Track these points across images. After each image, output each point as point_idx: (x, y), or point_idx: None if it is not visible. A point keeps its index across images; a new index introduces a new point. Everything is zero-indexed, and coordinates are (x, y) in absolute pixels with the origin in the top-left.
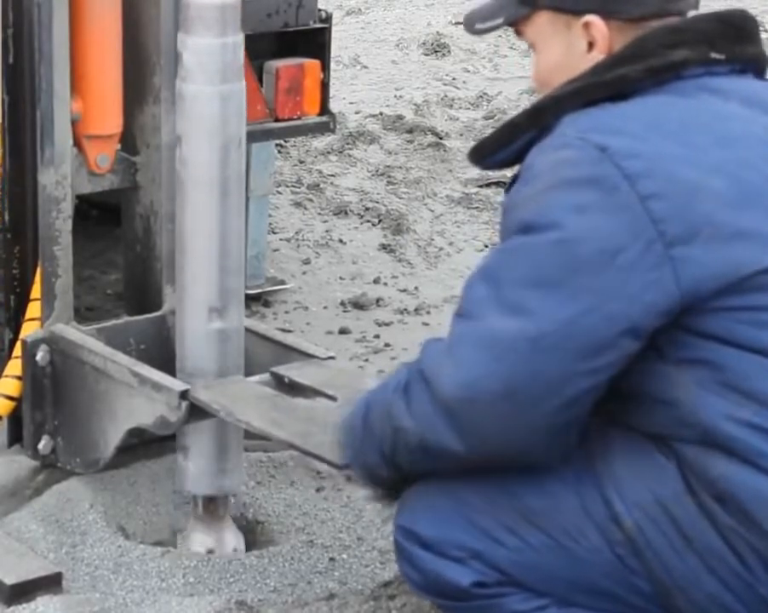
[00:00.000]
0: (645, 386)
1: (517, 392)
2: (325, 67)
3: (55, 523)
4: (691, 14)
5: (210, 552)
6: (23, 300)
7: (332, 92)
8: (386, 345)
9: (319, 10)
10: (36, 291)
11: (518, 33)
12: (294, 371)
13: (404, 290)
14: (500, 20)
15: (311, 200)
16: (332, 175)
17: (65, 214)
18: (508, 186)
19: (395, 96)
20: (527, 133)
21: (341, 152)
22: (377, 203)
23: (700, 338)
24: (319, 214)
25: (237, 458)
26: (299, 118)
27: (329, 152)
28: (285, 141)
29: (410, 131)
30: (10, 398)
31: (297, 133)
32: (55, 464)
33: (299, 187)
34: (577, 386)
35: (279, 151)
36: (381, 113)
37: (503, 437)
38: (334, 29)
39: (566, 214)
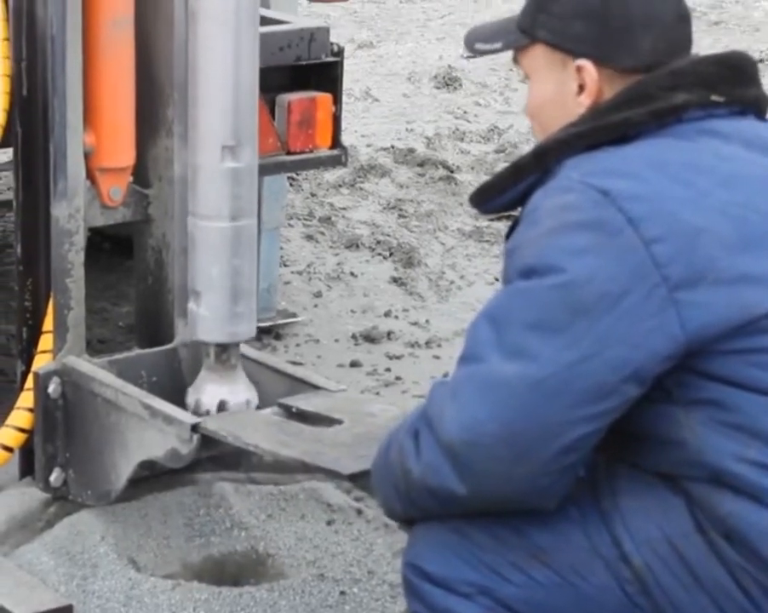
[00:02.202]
0: (652, 427)
1: (517, 436)
2: (337, 101)
3: (66, 555)
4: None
5: (223, 403)
6: (35, 333)
7: (344, 125)
8: (397, 378)
9: (331, 44)
10: (48, 323)
11: (516, 61)
12: (301, 401)
13: (415, 323)
14: (498, 45)
15: (322, 233)
16: (343, 208)
17: (77, 246)
18: (509, 231)
19: (406, 129)
20: (530, 176)
21: (352, 186)
22: (388, 236)
23: (707, 380)
24: (331, 247)
25: (250, 302)
26: (311, 151)
27: (340, 185)
28: (297, 174)
29: (422, 164)
30: (22, 430)
31: (309, 166)
32: (67, 496)
33: (310, 220)
34: (577, 432)
35: (291, 184)
36: (392, 146)
37: (503, 479)
38: (346, 62)
39: (568, 257)
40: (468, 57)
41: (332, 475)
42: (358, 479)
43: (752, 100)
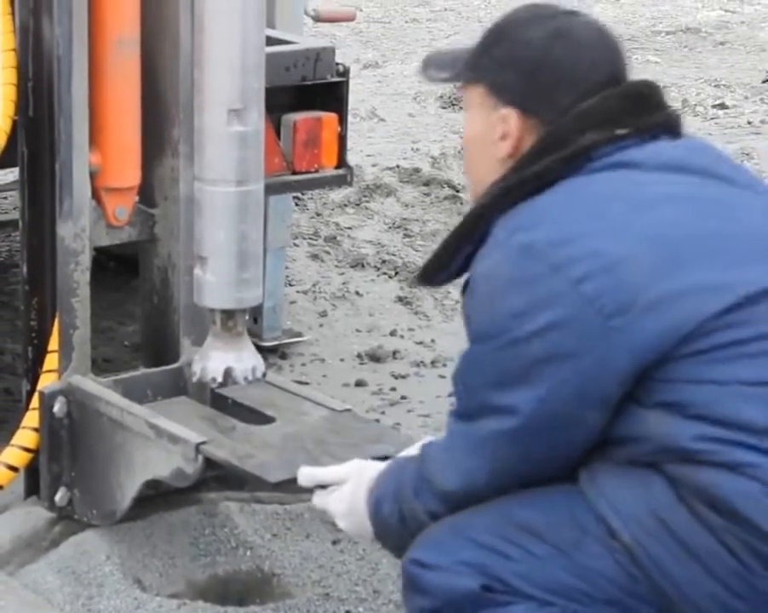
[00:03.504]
0: (622, 430)
1: (506, 476)
2: (343, 120)
3: (72, 574)
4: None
5: (229, 370)
6: (41, 352)
7: (349, 145)
8: (403, 397)
9: (337, 64)
10: (53, 343)
11: (461, 93)
12: (238, 392)
13: (421, 343)
14: (446, 75)
15: (328, 252)
16: (349, 228)
17: (83, 266)
18: (462, 289)
19: (412, 149)
20: (466, 246)
21: (357, 205)
22: (394, 255)
23: (666, 382)
24: (336, 266)
25: (257, 268)
26: (316, 171)
27: (346, 205)
28: (302, 194)
29: (427, 184)
30: (27, 449)
31: (314, 185)
32: (72, 516)
33: (316, 240)
34: (561, 457)
35: (296, 204)
36: (397, 166)
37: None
38: (351, 82)
39: (511, 319)
40: (423, 81)
41: (258, 481)
42: (283, 487)
43: (660, 123)
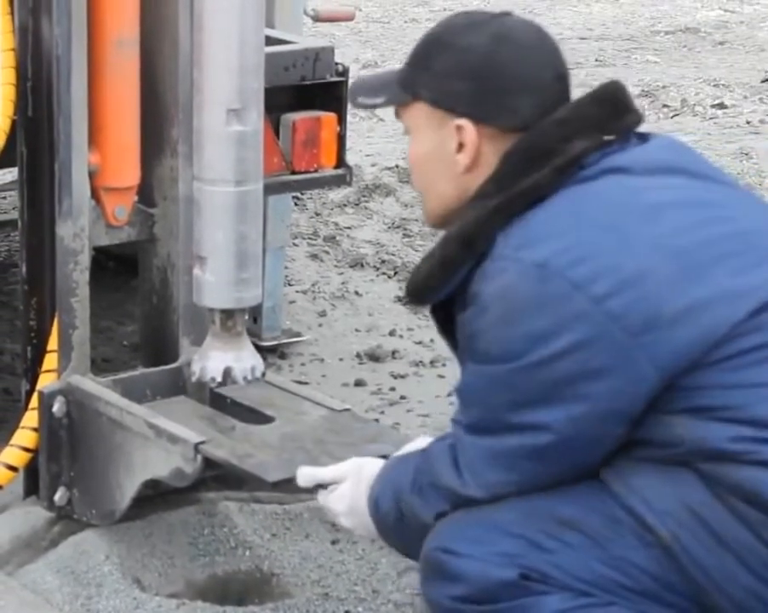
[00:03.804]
0: (646, 434)
1: (530, 486)
2: (342, 120)
3: (71, 574)
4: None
5: (228, 370)
6: (40, 352)
7: (348, 145)
8: (402, 397)
9: (336, 64)
10: (53, 343)
11: (397, 115)
12: (237, 392)
13: (420, 343)
14: (380, 100)
15: (327, 252)
16: (348, 228)
17: (82, 265)
18: (461, 303)
19: None
20: (464, 266)
21: (357, 205)
22: (393, 255)
23: (693, 390)
24: (335, 266)
25: (256, 268)
26: (315, 171)
27: (345, 205)
28: (302, 194)
29: None
30: (27, 449)
31: (314, 185)
32: (71, 515)
33: (315, 239)
34: (583, 467)
35: (296, 204)
36: (397, 166)
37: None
38: (350, 82)
39: (531, 342)
40: (354, 108)
41: (256, 480)
42: (281, 486)
43: (632, 125)
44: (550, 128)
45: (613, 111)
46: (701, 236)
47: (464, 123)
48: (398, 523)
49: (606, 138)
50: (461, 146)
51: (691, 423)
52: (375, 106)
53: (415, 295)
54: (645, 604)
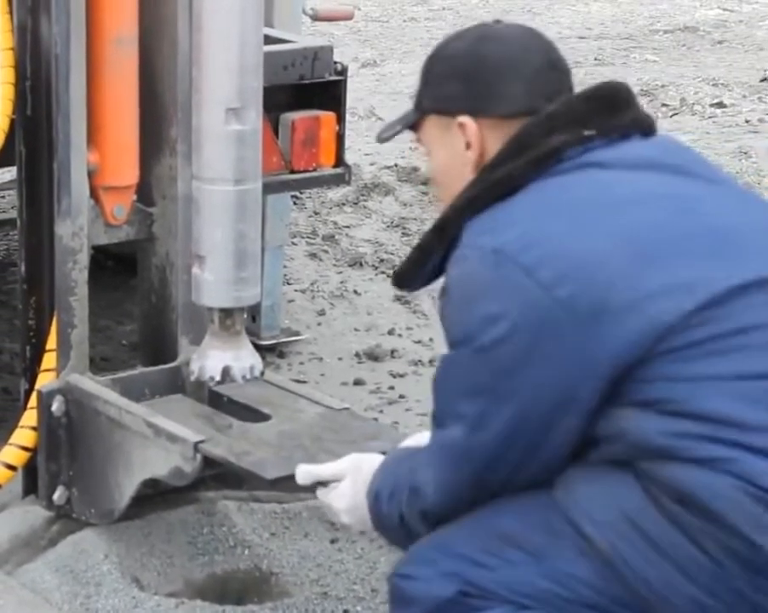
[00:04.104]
0: (596, 430)
1: (483, 485)
2: (341, 119)
3: (70, 573)
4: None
5: (227, 369)
6: (39, 351)
7: (347, 144)
8: (401, 396)
9: (335, 63)
10: (51, 342)
11: (418, 141)
12: (234, 390)
13: (419, 342)
14: (398, 127)
15: (326, 251)
16: (347, 227)
17: (81, 264)
18: (440, 293)
19: (410, 148)
20: (435, 253)
21: (356, 204)
22: (392, 254)
23: (641, 382)
24: (334, 265)
25: (255, 267)
26: (314, 170)
27: (344, 204)
28: (301, 193)
29: (425, 183)
30: (25, 448)
31: (313, 184)
32: (70, 514)
33: (314, 238)
34: (537, 462)
35: (295, 203)
36: (395, 165)
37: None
38: (349, 81)
39: (483, 324)
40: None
41: (255, 478)
42: (280, 484)
43: (629, 124)
44: (537, 121)
45: (604, 109)
46: (664, 229)
47: (464, 119)
48: (399, 523)
49: (587, 133)
50: (468, 144)
51: (635, 416)
52: (395, 134)
53: (397, 280)
54: None
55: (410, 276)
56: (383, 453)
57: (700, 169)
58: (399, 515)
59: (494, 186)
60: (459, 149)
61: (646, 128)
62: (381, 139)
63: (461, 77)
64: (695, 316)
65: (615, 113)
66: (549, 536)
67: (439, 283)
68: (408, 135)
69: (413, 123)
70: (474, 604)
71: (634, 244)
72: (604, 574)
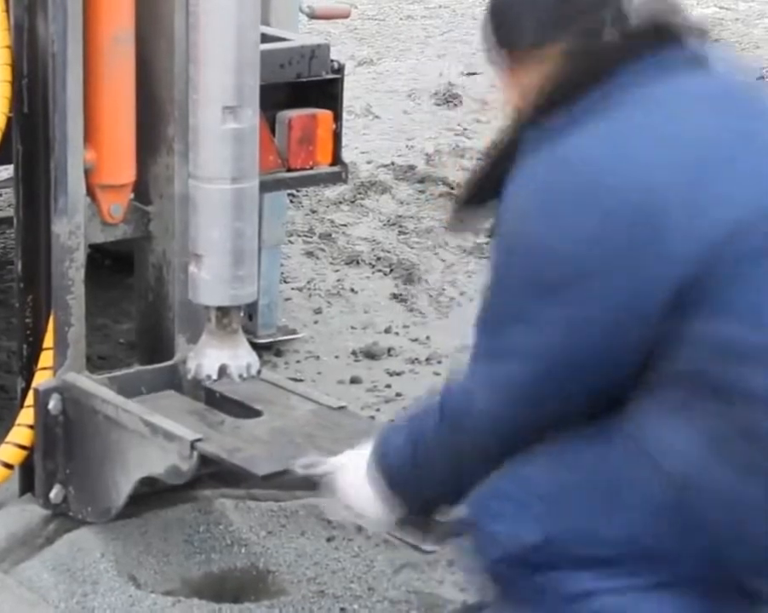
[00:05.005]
0: (664, 351)
1: (536, 414)
2: (338, 117)
3: (66, 572)
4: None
5: (224, 367)
6: (36, 349)
7: (344, 142)
8: (398, 394)
9: (332, 61)
10: (48, 340)
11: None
12: (226, 386)
13: (416, 340)
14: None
15: (323, 250)
16: (344, 225)
17: (77, 263)
18: (491, 229)
19: (407, 146)
20: (505, 163)
21: (352, 202)
22: (389, 252)
23: (710, 291)
24: (331, 263)
25: (252, 265)
26: (311, 168)
27: (340, 202)
28: (297, 191)
29: (422, 181)
30: (22, 446)
31: (309, 183)
32: (67, 513)
33: (311, 237)
34: (601, 380)
35: (291, 201)
36: (392, 163)
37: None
38: (346, 79)
39: (543, 237)
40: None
41: (246, 474)
42: (271, 480)
43: (686, 53)
44: (597, 50)
45: (660, 36)
46: (726, 151)
47: (505, 52)
48: (412, 465)
49: (649, 59)
50: (512, 72)
51: (708, 327)
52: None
53: (460, 199)
54: (664, 570)
55: (472, 193)
56: None
57: (758, 102)
58: (414, 457)
59: (558, 101)
60: (522, 80)
61: (699, 57)
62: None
63: (497, 18)
64: (755, 226)
65: (674, 41)
66: (620, 471)
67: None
68: (405, 133)
69: (500, 66)
70: (557, 554)
71: (698, 167)
72: (679, 510)
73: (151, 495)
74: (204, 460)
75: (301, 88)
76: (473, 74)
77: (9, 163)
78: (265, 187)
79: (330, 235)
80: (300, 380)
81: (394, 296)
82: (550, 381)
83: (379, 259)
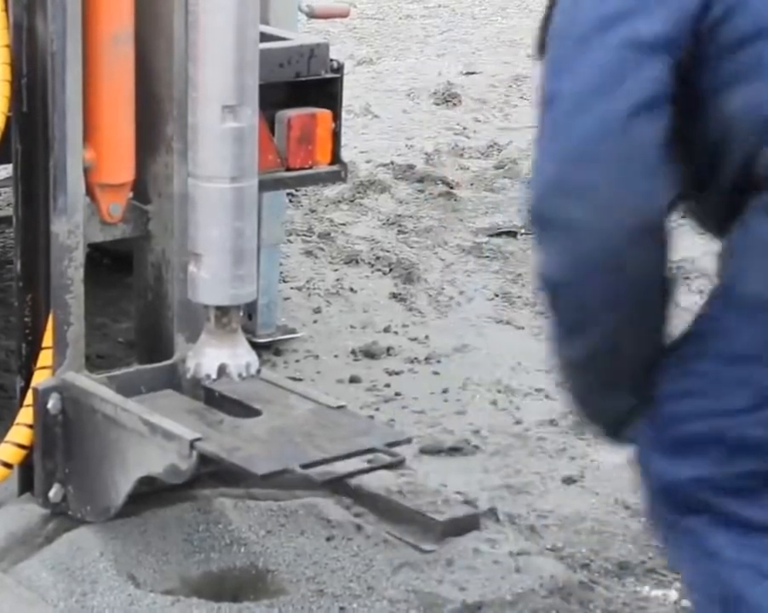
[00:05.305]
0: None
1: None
2: (337, 117)
3: (66, 571)
4: None
5: (223, 366)
6: (35, 348)
7: (343, 141)
8: (397, 394)
9: (331, 60)
10: (47, 339)
11: None
12: (224, 385)
13: (415, 339)
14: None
15: (322, 249)
16: (343, 224)
17: (77, 262)
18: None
19: (406, 146)
20: None
21: (352, 201)
22: (388, 252)
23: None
24: (330, 262)
25: (251, 264)
26: (310, 168)
27: (340, 201)
28: (297, 190)
29: (421, 180)
30: (21, 446)
31: (308, 182)
32: (66, 512)
33: (310, 236)
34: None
35: (290, 201)
36: (392, 162)
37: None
38: (345, 78)
39: None
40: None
41: (246, 474)
42: (270, 479)
43: None
44: None
45: None
46: None
47: None
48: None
49: None
50: None
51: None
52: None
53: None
54: None
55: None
56: (373, 450)
57: None
58: None
59: None
60: None
61: None
62: None
63: None
64: None
65: None
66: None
67: None
68: (405, 132)
69: None
70: (702, 501)
71: None
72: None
73: (151, 494)
74: (203, 459)
75: (301, 88)
76: (473, 73)
77: (8, 162)
78: (264, 186)
79: (329, 234)
80: (300, 380)
81: (393, 296)
82: None
83: (378, 258)
